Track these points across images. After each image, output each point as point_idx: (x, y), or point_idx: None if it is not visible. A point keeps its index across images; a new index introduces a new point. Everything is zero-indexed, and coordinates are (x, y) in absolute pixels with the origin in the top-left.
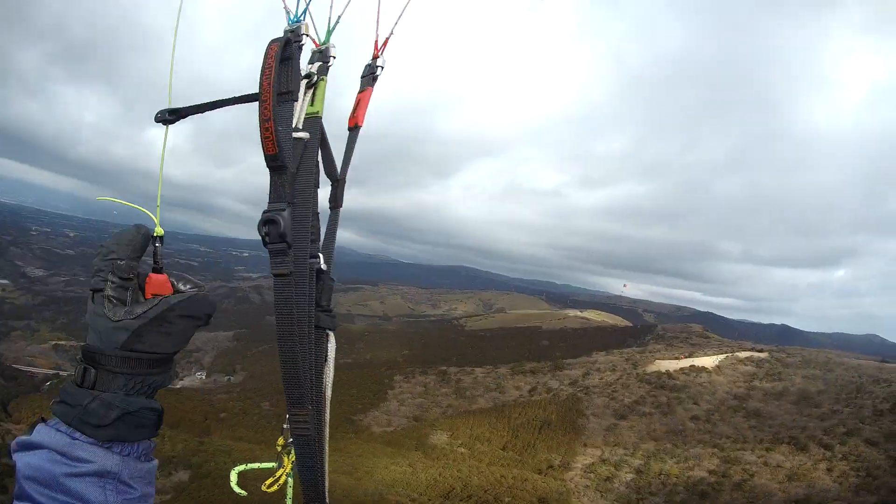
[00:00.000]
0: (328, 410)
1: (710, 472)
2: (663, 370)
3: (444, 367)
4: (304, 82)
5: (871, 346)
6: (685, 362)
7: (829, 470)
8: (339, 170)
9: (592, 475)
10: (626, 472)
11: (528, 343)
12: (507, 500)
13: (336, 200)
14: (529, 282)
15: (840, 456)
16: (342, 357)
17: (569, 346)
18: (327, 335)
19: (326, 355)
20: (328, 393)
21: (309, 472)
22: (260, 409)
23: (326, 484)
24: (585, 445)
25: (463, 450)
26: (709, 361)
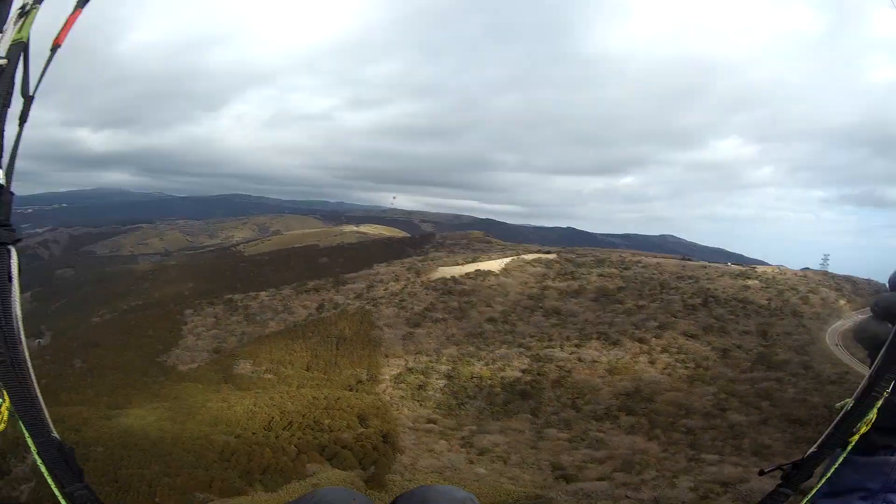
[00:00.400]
0: (21, 329)
1: (524, 371)
2: (448, 276)
3: (230, 296)
4: (17, 11)
5: (666, 245)
6: (469, 267)
7: (651, 363)
8: (31, 88)
9: (404, 385)
10: (436, 379)
11: (308, 262)
12: (327, 421)
13: (23, 117)
14: (302, 202)
15: (659, 349)
16: (132, 300)
17: (348, 261)
18: (8, 250)
19: (10, 273)
20: (17, 311)
21: (19, 401)
22: (73, 368)
23: (46, 413)
24: (387, 356)
25: (269, 376)
26: (494, 265)
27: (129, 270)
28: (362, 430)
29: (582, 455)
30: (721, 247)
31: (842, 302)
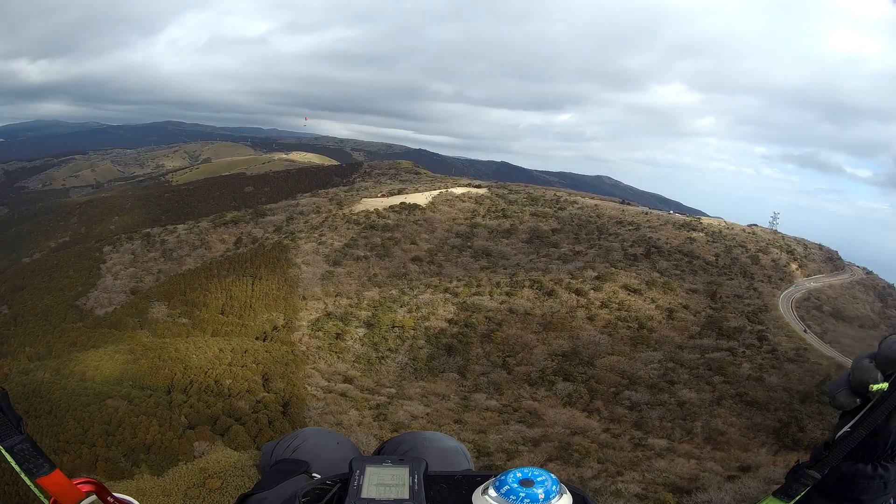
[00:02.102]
0: None
1: (450, 321)
2: (371, 209)
3: (148, 230)
4: None
5: (602, 187)
6: (394, 200)
7: (589, 319)
8: None
9: (322, 333)
10: (356, 327)
11: (233, 192)
12: (227, 382)
13: None
14: (235, 129)
15: (598, 304)
16: (60, 237)
17: (273, 190)
18: None
19: None
20: None
21: None
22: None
23: None
24: (305, 298)
25: (184, 320)
26: (421, 198)
27: (59, 205)
28: (264, 394)
29: (513, 434)
30: (659, 192)
31: (794, 266)
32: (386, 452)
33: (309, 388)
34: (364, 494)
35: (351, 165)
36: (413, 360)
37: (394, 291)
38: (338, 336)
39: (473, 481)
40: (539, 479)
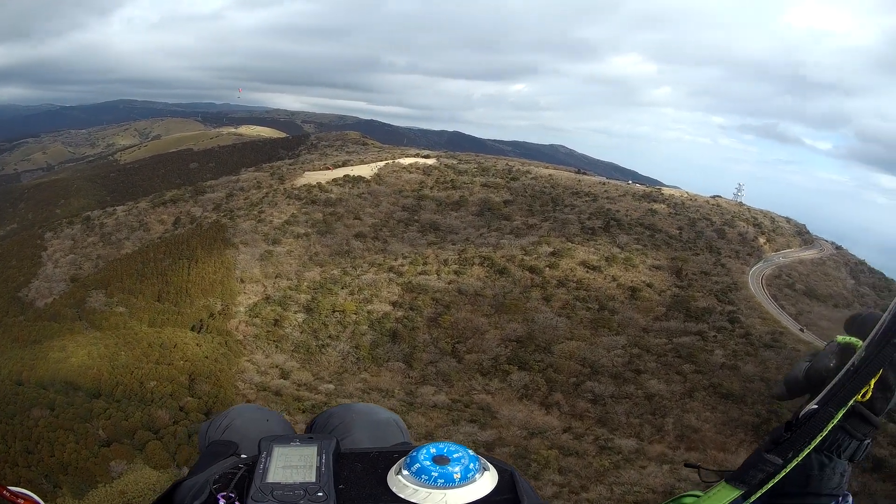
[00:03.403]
0: None
1: (394, 304)
2: (314, 183)
3: (88, 213)
4: None
5: (556, 156)
6: (338, 172)
7: (545, 299)
8: None
9: (259, 320)
10: (295, 312)
11: (178, 168)
12: (152, 384)
13: None
14: (187, 105)
15: (555, 282)
16: (8, 224)
17: (218, 165)
18: None
19: None
20: None
21: None
22: None
23: None
24: (243, 281)
25: (121, 309)
26: (366, 170)
27: (9, 191)
28: (188, 399)
29: (463, 437)
30: (614, 161)
31: (762, 240)
32: (316, 428)
33: (241, 386)
34: (270, 478)
35: (297, 138)
36: (355, 348)
37: (335, 271)
38: (276, 323)
39: (390, 459)
40: (455, 455)
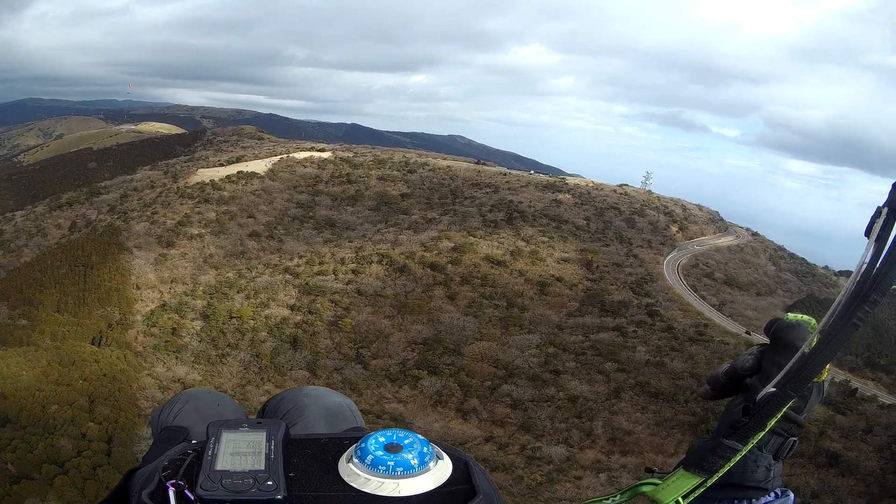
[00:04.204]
0: None
1: (292, 307)
2: (207, 181)
3: None
4: None
5: (455, 146)
6: (231, 169)
7: (449, 297)
8: None
9: (157, 329)
10: (192, 320)
11: (77, 169)
12: (53, 408)
13: None
14: (91, 102)
15: (458, 279)
16: None
17: (116, 164)
18: None
19: None
20: None
21: None
22: None
23: None
24: (138, 287)
25: (24, 321)
26: (260, 166)
27: None
28: (89, 425)
29: None
30: (514, 151)
31: (674, 228)
32: (268, 413)
33: (144, 405)
34: (219, 465)
35: (194, 134)
36: (256, 356)
37: (230, 274)
38: (174, 332)
39: (341, 445)
40: (406, 441)
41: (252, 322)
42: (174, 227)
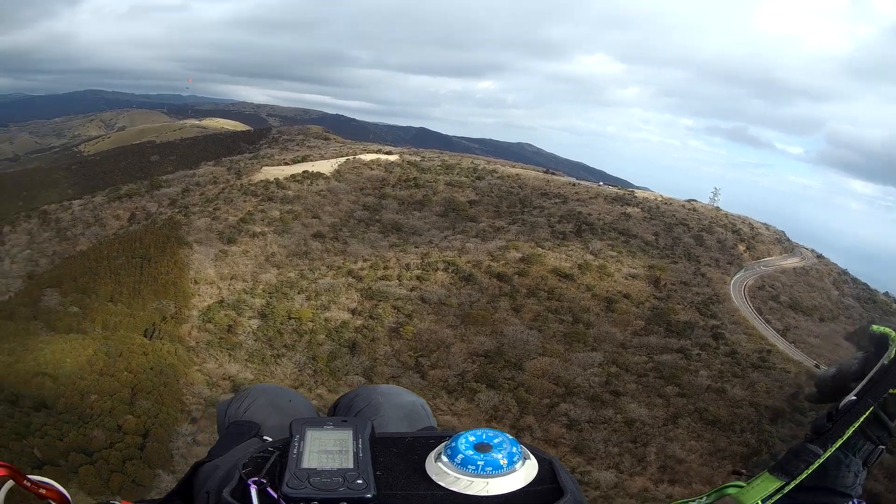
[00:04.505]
0: None
1: (353, 311)
2: (272, 179)
3: (45, 207)
4: None
5: (524, 153)
6: (296, 168)
7: (515, 310)
8: None
9: (212, 325)
10: (249, 318)
11: (139, 161)
12: (92, 398)
13: None
14: (154, 96)
15: (525, 291)
16: None
17: (179, 158)
18: None
19: None
20: None
21: None
22: None
23: None
24: (196, 282)
25: (75, 309)
26: (326, 166)
27: None
28: (127, 417)
29: None
30: (582, 161)
31: (741, 248)
32: (340, 410)
33: (189, 400)
34: (305, 464)
35: (259, 131)
36: (312, 359)
37: (292, 274)
38: (229, 329)
39: (427, 444)
40: (496, 441)
41: (311, 324)
42: (236, 223)
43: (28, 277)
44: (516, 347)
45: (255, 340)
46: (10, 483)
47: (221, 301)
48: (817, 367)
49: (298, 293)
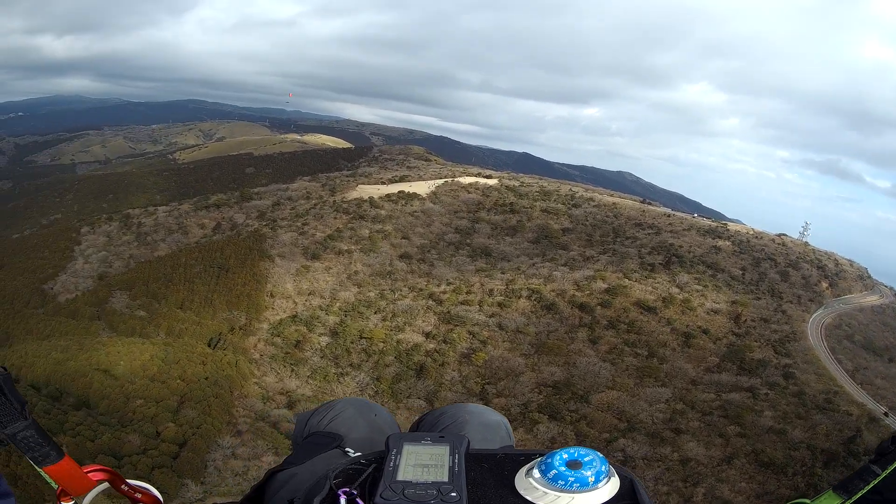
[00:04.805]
0: None
1: (427, 335)
2: (366, 197)
3: (129, 211)
4: None
5: (623, 182)
6: (393, 188)
7: (592, 341)
8: None
9: (280, 339)
10: (319, 335)
11: (233, 172)
12: (138, 402)
13: None
14: (257, 110)
15: (605, 322)
16: (53, 213)
17: (276, 172)
18: None
19: None
20: None
21: None
22: None
23: None
24: (272, 296)
25: (142, 313)
26: (423, 187)
27: (60, 181)
28: (169, 425)
29: None
30: (679, 191)
31: (824, 285)
32: (425, 427)
33: (239, 413)
34: (401, 476)
35: (360, 149)
36: (376, 379)
37: (372, 293)
38: (297, 344)
39: (517, 461)
40: (586, 459)
41: (382, 344)
42: (323, 240)
43: (99, 278)
44: (586, 380)
45: (322, 357)
46: (102, 486)
47: (294, 316)
48: (886, 414)
49: (375, 313)
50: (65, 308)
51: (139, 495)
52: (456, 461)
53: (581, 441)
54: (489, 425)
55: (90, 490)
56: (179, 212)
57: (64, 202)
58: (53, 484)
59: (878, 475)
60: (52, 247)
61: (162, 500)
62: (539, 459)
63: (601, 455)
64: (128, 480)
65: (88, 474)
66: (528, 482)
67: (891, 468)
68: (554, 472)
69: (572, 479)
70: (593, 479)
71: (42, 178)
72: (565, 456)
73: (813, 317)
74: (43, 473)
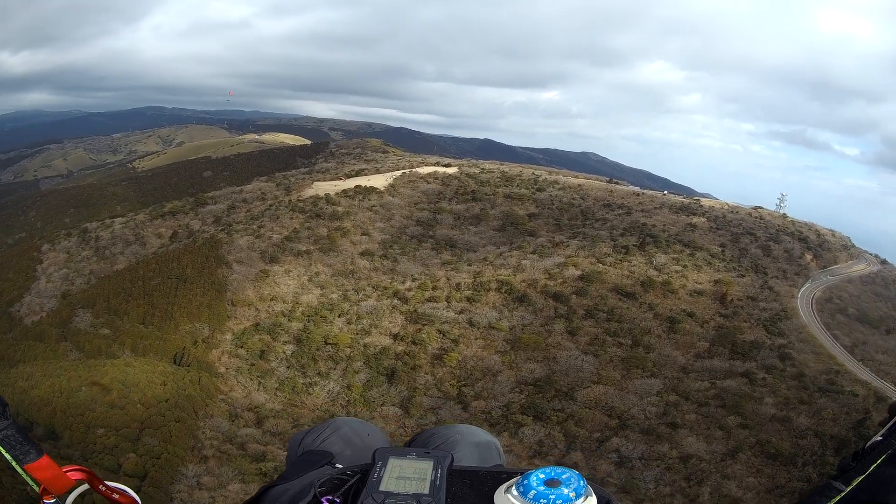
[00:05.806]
0: None
1: (396, 336)
2: (321, 194)
3: (86, 225)
4: None
5: (588, 163)
6: (349, 183)
7: (570, 333)
8: None
9: (244, 350)
10: (284, 343)
11: (191, 177)
12: (98, 432)
13: None
14: (215, 112)
15: (583, 312)
16: (17, 233)
17: (233, 174)
18: None
19: None
20: None
21: None
22: None
23: None
24: (234, 304)
25: (106, 331)
26: (380, 181)
27: (23, 199)
28: (130, 455)
29: None
30: (646, 169)
31: (808, 257)
32: (416, 444)
33: (204, 436)
34: (383, 487)
35: (316, 145)
36: (347, 388)
37: (335, 295)
38: (262, 354)
39: (498, 479)
40: (564, 477)
41: (349, 350)
42: (280, 242)
43: (62, 297)
44: (569, 375)
45: (288, 368)
46: (83, 486)
47: (257, 324)
48: None
49: (339, 316)
50: (31, 331)
51: (117, 496)
52: (438, 475)
53: (571, 443)
54: (479, 445)
55: (70, 488)
56: (136, 222)
57: (28, 219)
58: (34, 485)
59: (842, 492)
60: (16, 267)
61: (140, 501)
62: (517, 479)
63: (578, 472)
64: (105, 482)
65: (67, 473)
66: (508, 499)
67: (855, 482)
68: (533, 491)
69: (553, 496)
70: (574, 495)
71: (6, 197)
72: (542, 476)
73: (801, 291)
74: (24, 473)
